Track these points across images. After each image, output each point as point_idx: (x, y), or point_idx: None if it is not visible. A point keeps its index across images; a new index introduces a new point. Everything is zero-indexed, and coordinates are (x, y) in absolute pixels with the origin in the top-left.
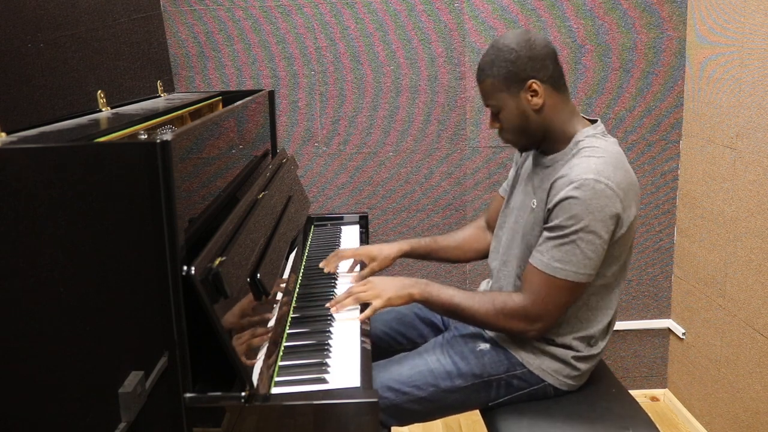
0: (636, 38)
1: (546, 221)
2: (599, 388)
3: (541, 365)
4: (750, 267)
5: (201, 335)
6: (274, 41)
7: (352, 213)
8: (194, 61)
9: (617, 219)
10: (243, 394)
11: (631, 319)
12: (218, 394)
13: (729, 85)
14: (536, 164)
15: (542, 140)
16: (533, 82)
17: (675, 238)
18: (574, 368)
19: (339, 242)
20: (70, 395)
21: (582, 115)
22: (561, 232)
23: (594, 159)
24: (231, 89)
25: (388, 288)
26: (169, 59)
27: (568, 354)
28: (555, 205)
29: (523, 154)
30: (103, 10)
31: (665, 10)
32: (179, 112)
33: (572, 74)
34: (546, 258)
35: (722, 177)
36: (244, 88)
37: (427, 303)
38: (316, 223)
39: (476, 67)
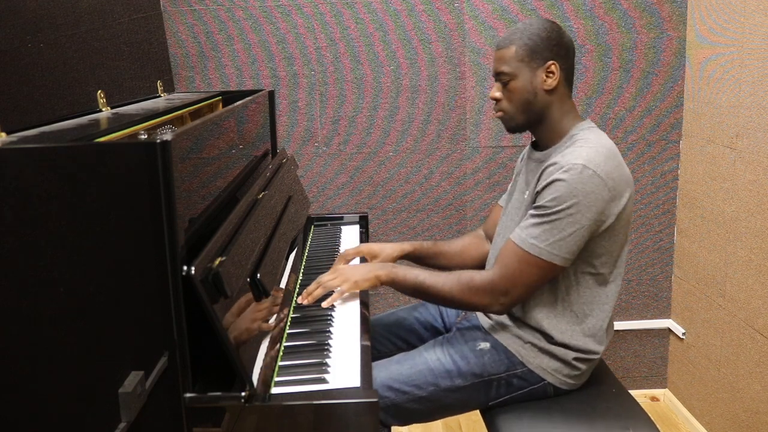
0: (636, 38)
1: (533, 203)
2: (599, 388)
3: (541, 364)
4: (750, 267)
5: (201, 335)
6: (274, 41)
7: (352, 213)
8: (194, 61)
9: (603, 207)
10: (243, 394)
11: (631, 319)
12: (218, 394)
13: (729, 85)
14: (530, 160)
15: (535, 125)
16: (553, 63)
17: (675, 238)
18: (575, 368)
19: (339, 242)
20: (70, 395)
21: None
22: (543, 212)
23: (585, 148)
24: (231, 89)
25: (355, 272)
26: (169, 59)
27: (569, 354)
28: (543, 188)
29: (520, 161)
30: (103, 10)
31: (665, 10)
32: (179, 112)
33: None
34: (524, 234)
35: (722, 177)
36: (244, 88)
37: (394, 284)
38: (316, 223)
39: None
